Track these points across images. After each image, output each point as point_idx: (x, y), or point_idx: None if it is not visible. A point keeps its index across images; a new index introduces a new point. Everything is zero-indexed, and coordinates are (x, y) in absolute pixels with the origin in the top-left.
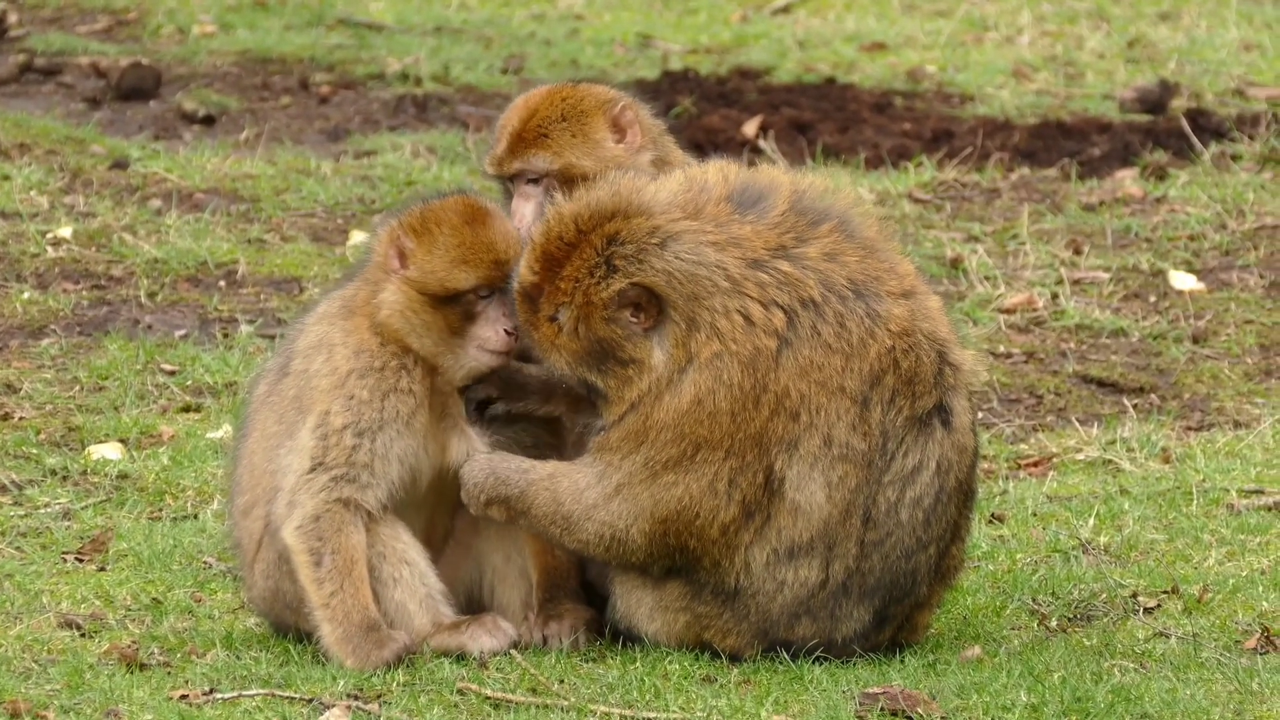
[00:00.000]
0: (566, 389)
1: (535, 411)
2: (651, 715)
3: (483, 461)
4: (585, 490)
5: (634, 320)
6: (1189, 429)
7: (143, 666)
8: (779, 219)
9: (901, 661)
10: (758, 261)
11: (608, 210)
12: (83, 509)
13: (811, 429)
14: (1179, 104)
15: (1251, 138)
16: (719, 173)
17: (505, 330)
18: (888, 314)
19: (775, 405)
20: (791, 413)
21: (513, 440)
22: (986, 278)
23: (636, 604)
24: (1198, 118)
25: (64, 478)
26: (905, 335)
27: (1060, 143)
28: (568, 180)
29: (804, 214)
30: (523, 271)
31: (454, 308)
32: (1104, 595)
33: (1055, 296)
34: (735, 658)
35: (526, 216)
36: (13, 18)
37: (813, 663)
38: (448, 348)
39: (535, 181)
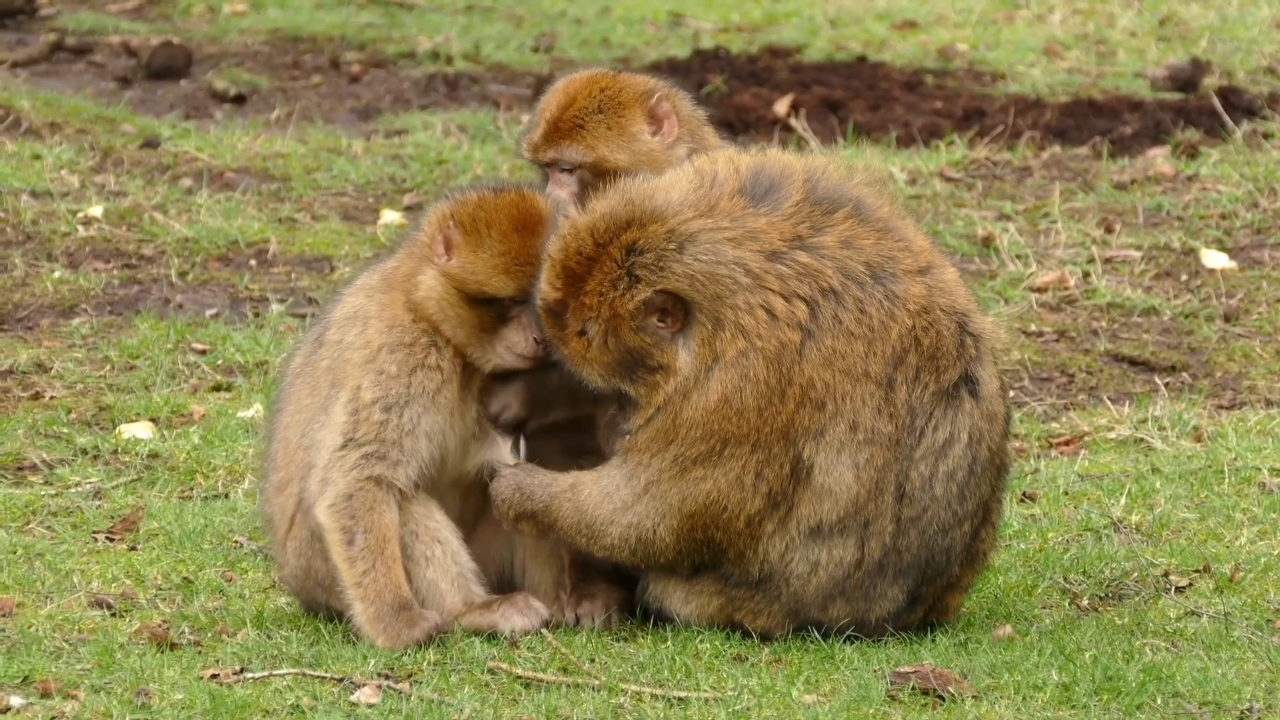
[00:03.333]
0: (591, 391)
1: (564, 418)
2: (682, 694)
3: (509, 477)
4: (613, 493)
5: (662, 325)
6: (1221, 407)
7: (173, 646)
8: (793, 209)
9: (933, 640)
10: (776, 254)
11: (622, 220)
12: (113, 488)
13: (837, 416)
14: (1210, 82)
15: None
16: (729, 164)
17: (535, 339)
18: (905, 294)
19: (801, 397)
20: (817, 403)
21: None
22: (1018, 256)
23: (672, 588)
24: (1229, 96)
25: (95, 457)
26: (924, 313)
27: (1092, 121)
28: (600, 173)
29: (819, 203)
30: (544, 289)
31: (488, 309)
32: (1135, 574)
33: (1087, 275)
34: (766, 637)
35: (561, 204)
36: None
37: (844, 642)
38: (477, 343)
39: (570, 170)
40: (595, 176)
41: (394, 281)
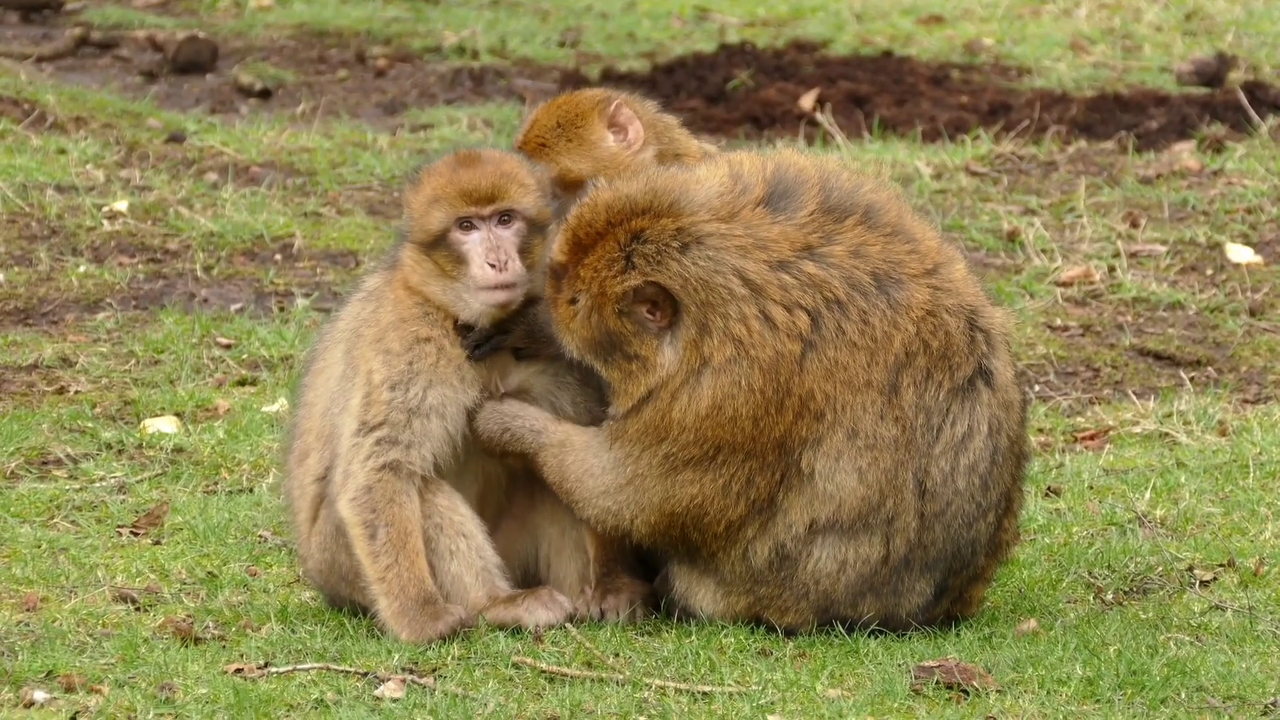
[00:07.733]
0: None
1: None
2: (706, 689)
3: (494, 414)
4: (597, 474)
5: (650, 316)
6: (1246, 402)
7: (197, 640)
8: (807, 219)
9: (957, 635)
10: (784, 263)
11: (640, 205)
12: (138, 483)
13: (835, 425)
14: (1236, 76)
15: None
16: (757, 171)
17: (491, 264)
18: (909, 301)
19: (800, 408)
20: (816, 413)
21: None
22: (1043, 251)
23: (698, 587)
24: (1255, 90)
25: (119, 451)
26: (930, 316)
27: (1117, 115)
28: (567, 186)
29: (831, 211)
30: (554, 249)
31: (442, 252)
32: (1160, 568)
33: (1112, 269)
34: (791, 632)
35: None
36: None
37: (868, 636)
38: (454, 295)
39: None
40: (565, 191)
41: (396, 262)
